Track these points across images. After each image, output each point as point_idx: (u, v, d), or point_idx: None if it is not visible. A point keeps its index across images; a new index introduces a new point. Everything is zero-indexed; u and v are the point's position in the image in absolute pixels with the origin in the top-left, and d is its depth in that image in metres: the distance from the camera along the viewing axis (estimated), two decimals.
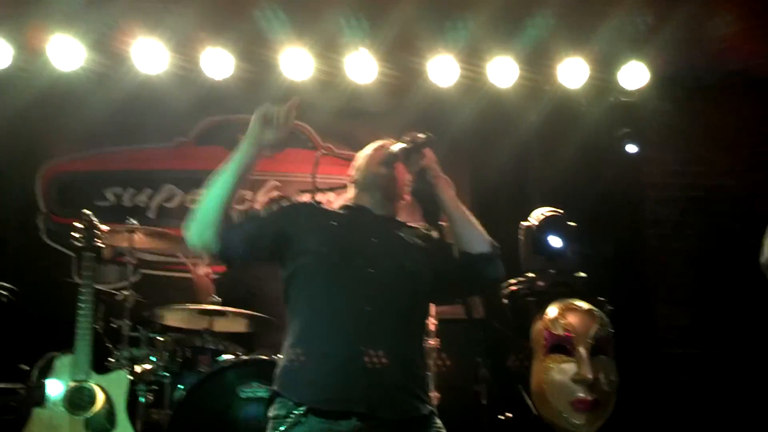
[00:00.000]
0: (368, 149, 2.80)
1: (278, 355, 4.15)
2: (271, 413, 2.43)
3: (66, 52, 5.26)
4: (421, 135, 2.59)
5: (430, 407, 2.50)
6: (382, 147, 2.73)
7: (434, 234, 2.69)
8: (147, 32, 5.31)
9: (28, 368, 4.05)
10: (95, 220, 4.32)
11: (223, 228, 2.49)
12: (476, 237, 2.58)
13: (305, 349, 2.42)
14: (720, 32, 5.50)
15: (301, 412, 2.33)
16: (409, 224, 2.75)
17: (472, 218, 2.61)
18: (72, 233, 4.31)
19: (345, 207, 2.74)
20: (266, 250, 2.59)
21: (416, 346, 2.55)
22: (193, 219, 2.52)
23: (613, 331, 4.31)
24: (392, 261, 2.51)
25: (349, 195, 2.80)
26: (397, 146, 2.64)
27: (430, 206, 2.61)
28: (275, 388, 2.47)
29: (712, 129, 5.98)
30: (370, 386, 2.34)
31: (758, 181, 5.70)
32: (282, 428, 2.34)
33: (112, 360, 4.30)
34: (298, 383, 2.40)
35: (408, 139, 2.61)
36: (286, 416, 2.35)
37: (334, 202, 2.91)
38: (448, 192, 2.59)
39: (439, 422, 2.51)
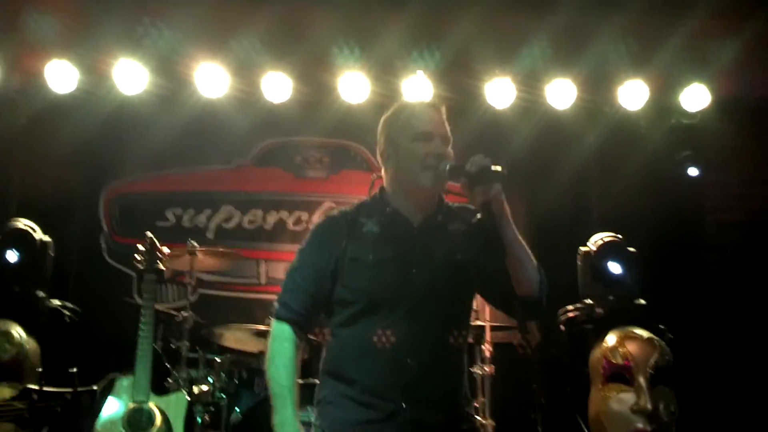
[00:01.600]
0: (408, 130, 2.46)
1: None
2: None
3: (130, 76, 5.38)
4: (495, 167, 2.28)
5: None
6: (432, 146, 2.42)
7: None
8: (209, 56, 5.40)
9: (75, 370, 4.10)
10: (157, 242, 4.40)
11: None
12: (526, 280, 2.38)
13: (348, 390, 2.35)
14: None
15: None
16: (452, 210, 2.51)
17: (529, 259, 2.39)
18: (135, 255, 4.40)
19: (380, 213, 2.46)
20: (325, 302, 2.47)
21: (463, 387, 2.45)
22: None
23: (672, 360, 4.24)
24: (433, 297, 2.35)
25: (384, 182, 2.54)
26: (458, 165, 2.35)
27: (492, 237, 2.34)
28: (316, 409, 2.45)
29: None
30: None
31: None
32: None
33: (171, 381, 4.36)
34: (336, 422, 2.37)
35: (477, 167, 2.28)
36: None
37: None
38: (510, 228, 2.34)
39: None
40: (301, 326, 2.43)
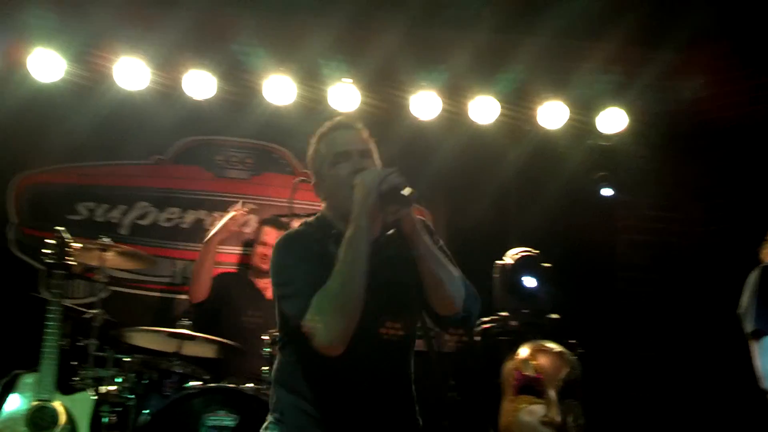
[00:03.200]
0: (327, 158, 2.47)
1: (248, 384, 4.16)
2: None
3: (46, 65, 5.22)
4: (405, 190, 2.26)
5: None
6: (351, 164, 2.41)
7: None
8: (130, 49, 5.28)
9: None
10: (67, 237, 4.27)
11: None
12: (447, 297, 2.37)
13: (316, 409, 2.35)
14: (691, 82, 5.63)
15: None
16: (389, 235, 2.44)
17: (449, 276, 2.37)
18: (43, 249, 4.25)
19: (328, 236, 2.41)
20: None
21: (410, 398, 2.51)
22: (334, 319, 2.22)
23: (582, 374, 4.33)
24: (389, 314, 2.39)
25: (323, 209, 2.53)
26: (383, 183, 2.28)
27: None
28: (276, 416, 2.42)
29: (688, 176, 6.06)
30: None
31: (729, 231, 5.78)
32: None
33: (78, 379, 4.22)
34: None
35: (388, 186, 2.27)
36: None
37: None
38: (422, 246, 2.33)
39: None
40: None
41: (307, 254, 2.37)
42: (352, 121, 2.58)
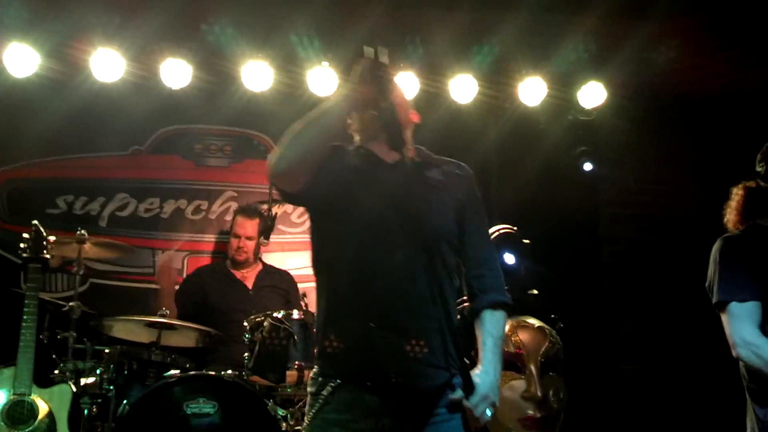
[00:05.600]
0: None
1: (228, 371, 4.16)
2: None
3: (20, 59, 5.19)
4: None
5: (450, 373, 2.38)
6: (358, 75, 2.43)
7: (461, 172, 2.60)
8: (105, 42, 5.25)
9: None
10: (42, 230, 4.26)
11: (317, 159, 2.40)
12: None
13: (327, 326, 2.39)
14: (671, 54, 5.58)
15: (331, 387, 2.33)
16: (430, 159, 2.62)
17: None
18: (20, 244, 4.24)
19: (358, 152, 2.53)
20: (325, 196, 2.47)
21: (438, 312, 2.35)
22: (292, 142, 2.36)
23: (563, 348, 4.32)
24: (407, 225, 2.35)
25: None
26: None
27: (395, 130, 2.40)
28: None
29: (670, 148, 6.04)
30: (385, 361, 2.30)
31: (714, 201, 5.74)
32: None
33: (57, 372, 4.21)
34: (321, 359, 2.41)
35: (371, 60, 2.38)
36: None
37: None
38: None
39: (456, 390, 2.37)
40: None
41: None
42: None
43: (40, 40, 5.22)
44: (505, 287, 2.60)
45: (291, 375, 4.08)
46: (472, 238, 2.51)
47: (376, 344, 2.30)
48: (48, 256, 4.26)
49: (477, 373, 2.38)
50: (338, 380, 2.33)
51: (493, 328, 2.50)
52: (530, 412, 4.10)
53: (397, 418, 2.29)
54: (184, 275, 5.56)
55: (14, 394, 3.89)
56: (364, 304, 2.33)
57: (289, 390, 4.18)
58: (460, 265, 2.53)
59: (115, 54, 5.28)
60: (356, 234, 2.38)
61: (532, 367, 4.17)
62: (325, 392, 2.34)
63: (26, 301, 4.07)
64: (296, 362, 4.05)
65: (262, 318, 4.15)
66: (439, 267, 2.37)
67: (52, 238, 4.29)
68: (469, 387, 2.32)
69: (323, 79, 5.54)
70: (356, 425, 2.29)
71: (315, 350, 2.55)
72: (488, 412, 2.35)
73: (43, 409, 3.91)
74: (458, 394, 2.35)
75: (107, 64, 5.29)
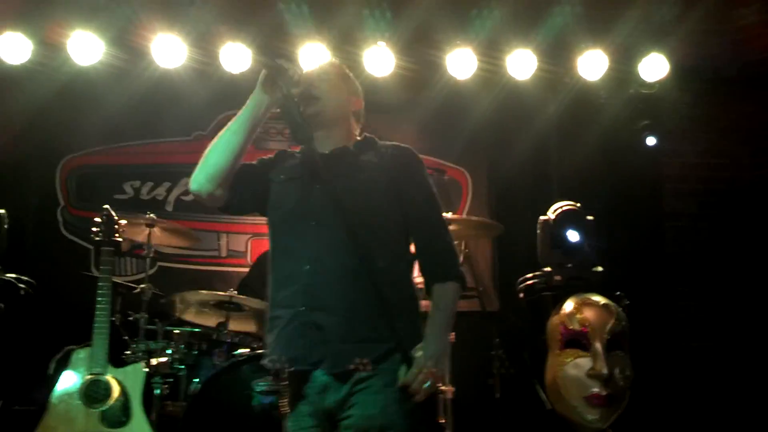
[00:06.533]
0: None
1: None
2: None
3: (85, 47, 5.29)
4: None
5: (389, 345, 2.39)
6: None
7: (396, 152, 2.61)
8: (166, 27, 5.32)
9: None
10: (114, 214, 4.35)
11: (229, 176, 2.54)
12: None
13: (271, 311, 2.51)
14: (740, 23, 5.43)
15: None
16: (369, 145, 2.65)
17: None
18: (92, 228, 4.34)
19: (302, 150, 2.65)
20: (257, 201, 2.64)
21: (370, 293, 2.37)
22: (202, 165, 2.55)
23: (628, 325, 4.29)
24: (334, 209, 2.40)
25: None
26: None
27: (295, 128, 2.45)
28: None
29: (733, 121, 5.91)
30: (312, 345, 2.38)
31: None
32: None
33: (129, 353, 4.33)
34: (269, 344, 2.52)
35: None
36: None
37: None
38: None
39: (396, 359, 2.39)
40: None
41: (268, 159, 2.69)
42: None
43: (103, 27, 5.31)
44: (454, 257, 2.59)
45: None
46: (412, 211, 2.53)
47: (301, 329, 2.40)
48: (119, 239, 4.34)
49: (417, 346, 2.38)
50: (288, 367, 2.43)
51: (439, 300, 2.48)
52: (596, 389, 4.10)
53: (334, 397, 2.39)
54: (248, 258, 5.65)
55: (90, 373, 4.00)
56: (293, 288, 2.44)
57: None
58: (408, 238, 2.56)
59: (177, 39, 5.35)
60: (285, 221, 2.54)
61: (598, 345, 4.17)
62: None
63: (99, 284, 4.16)
64: None
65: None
66: (366, 242, 2.39)
67: (123, 221, 4.38)
68: (407, 360, 2.35)
69: (379, 59, 5.54)
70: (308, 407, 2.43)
71: None
72: (426, 384, 2.34)
73: (117, 388, 4.02)
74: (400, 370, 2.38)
75: (169, 50, 5.37)
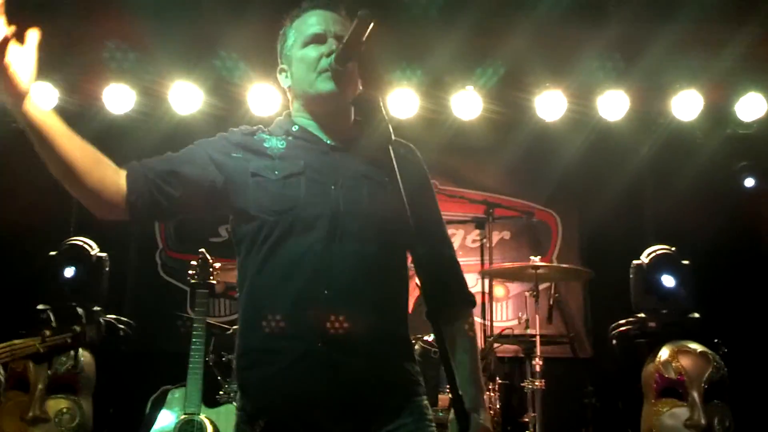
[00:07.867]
0: (299, 38, 2.12)
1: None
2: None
3: (185, 97, 5.51)
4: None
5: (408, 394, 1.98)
6: (325, 47, 2.05)
7: (412, 158, 2.20)
8: (263, 77, 5.46)
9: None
10: (209, 257, 4.48)
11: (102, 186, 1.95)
12: None
13: (258, 339, 1.95)
14: None
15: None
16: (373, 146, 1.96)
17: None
18: (188, 270, 4.48)
19: (285, 132, 2.13)
20: (193, 206, 2.11)
21: (394, 321, 2.00)
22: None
23: (727, 374, 4.15)
24: (358, 218, 1.97)
25: (289, 105, 2.22)
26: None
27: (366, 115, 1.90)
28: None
29: None
30: (331, 384, 1.88)
31: None
32: None
33: (222, 393, 4.42)
34: (251, 382, 1.97)
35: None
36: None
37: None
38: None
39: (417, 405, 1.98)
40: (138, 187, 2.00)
41: (208, 144, 2.17)
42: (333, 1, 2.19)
43: (202, 78, 5.52)
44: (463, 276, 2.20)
45: (443, 399, 4.09)
46: (420, 223, 1.96)
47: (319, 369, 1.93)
48: (214, 282, 4.47)
49: (470, 405, 1.99)
50: None
51: (466, 340, 2.09)
52: None
53: None
54: None
55: (185, 413, 4.11)
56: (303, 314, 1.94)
57: (441, 414, 4.16)
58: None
59: (270, 87, 5.52)
60: (287, 229, 1.99)
61: (695, 394, 4.04)
62: None
63: (194, 325, 4.29)
64: (447, 385, 4.04)
65: (414, 341, 4.17)
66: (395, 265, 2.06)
67: (217, 264, 4.50)
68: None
69: (467, 103, 5.57)
70: None
71: None
72: None
73: (210, 427, 4.11)
74: None
75: (263, 98, 5.54)
